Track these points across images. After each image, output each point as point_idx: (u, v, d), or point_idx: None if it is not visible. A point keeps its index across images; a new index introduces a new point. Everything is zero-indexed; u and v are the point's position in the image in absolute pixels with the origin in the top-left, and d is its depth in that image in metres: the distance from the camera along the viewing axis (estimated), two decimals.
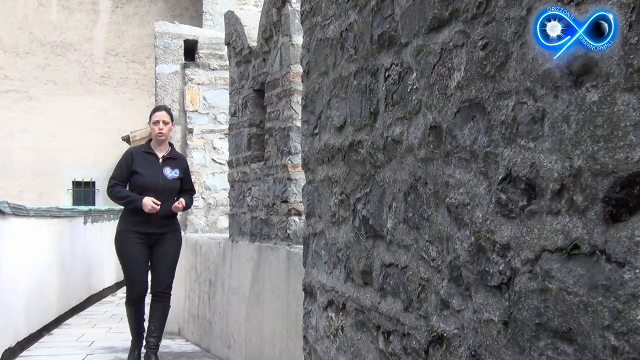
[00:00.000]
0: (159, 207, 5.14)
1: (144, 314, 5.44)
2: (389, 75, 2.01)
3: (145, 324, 5.48)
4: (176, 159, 5.48)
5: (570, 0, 1.19)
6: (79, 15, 18.93)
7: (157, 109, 5.58)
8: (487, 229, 1.46)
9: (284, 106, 4.49)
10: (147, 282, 5.41)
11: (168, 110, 5.53)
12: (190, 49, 7.70)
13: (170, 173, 5.34)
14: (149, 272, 5.45)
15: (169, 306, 5.54)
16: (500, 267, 1.41)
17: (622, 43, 1.08)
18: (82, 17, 18.94)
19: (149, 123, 5.54)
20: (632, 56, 1.06)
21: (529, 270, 1.31)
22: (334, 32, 2.52)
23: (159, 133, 5.38)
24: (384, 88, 2.05)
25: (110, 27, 19.08)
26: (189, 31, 7.87)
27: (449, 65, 1.64)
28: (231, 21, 5.67)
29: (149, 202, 5.13)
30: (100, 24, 19.08)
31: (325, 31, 2.62)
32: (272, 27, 4.67)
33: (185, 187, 5.49)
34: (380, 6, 2.08)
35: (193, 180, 5.91)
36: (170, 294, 5.51)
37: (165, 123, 5.40)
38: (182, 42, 7.66)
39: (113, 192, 5.25)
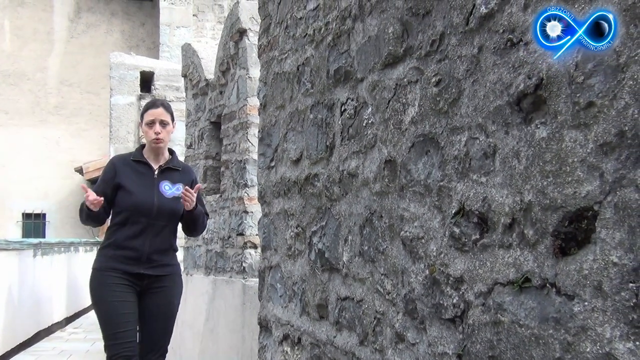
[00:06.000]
0: (88, 193, 3.43)
1: None
2: (344, 110, 2.04)
3: None
4: (179, 171, 3.78)
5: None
6: (33, 45, 18.69)
7: (152, 104, 3.79)
8: (441, 262, 1.48)
9: (240, 139, 4.48)
10: (136, 340, 3.62)
11: (167, 107, 3.77)
12: (147, 81, 7.68)
13: (170, 190, 3.69)
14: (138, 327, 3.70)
15: None
16: (454, 300, 1.42)
17: (568, 82, 1.12)
18: (36, 46, 18.71)
19: (141, 124, 3.86)
20: (578, 95, 1.09)
21: (482, 303, 1.32)
22: (290, 66, 2.54)
23: (156, 139, 3.66)
24: (340, 122, 2.07)
25: (65, 57, 18.86)
26: (146, 62, 7.87)
27: (404, 100, 1.67)
28: (188, 53, 5.67)
29: (87, 196, 3.44)
30: (55, 53, 18.86)
31: (282, 65, 2.64)
32: (230, 59, 4.69)
33: None
34: (336, 42, 2.11)
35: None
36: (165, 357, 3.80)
37: (163, 124, 3.68)
38: (139, 73, 7.65)
39: (79, 213, 3.67)
